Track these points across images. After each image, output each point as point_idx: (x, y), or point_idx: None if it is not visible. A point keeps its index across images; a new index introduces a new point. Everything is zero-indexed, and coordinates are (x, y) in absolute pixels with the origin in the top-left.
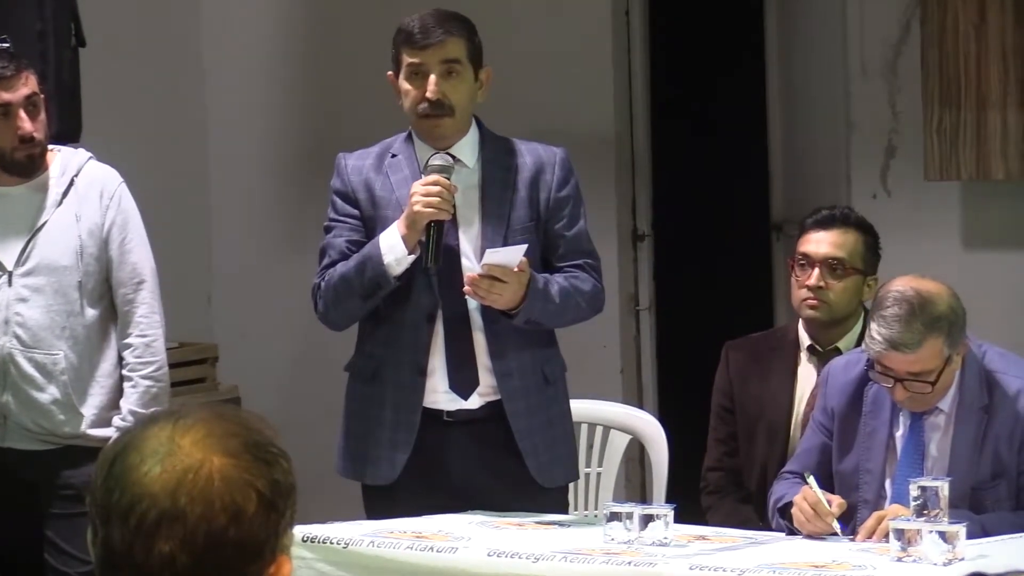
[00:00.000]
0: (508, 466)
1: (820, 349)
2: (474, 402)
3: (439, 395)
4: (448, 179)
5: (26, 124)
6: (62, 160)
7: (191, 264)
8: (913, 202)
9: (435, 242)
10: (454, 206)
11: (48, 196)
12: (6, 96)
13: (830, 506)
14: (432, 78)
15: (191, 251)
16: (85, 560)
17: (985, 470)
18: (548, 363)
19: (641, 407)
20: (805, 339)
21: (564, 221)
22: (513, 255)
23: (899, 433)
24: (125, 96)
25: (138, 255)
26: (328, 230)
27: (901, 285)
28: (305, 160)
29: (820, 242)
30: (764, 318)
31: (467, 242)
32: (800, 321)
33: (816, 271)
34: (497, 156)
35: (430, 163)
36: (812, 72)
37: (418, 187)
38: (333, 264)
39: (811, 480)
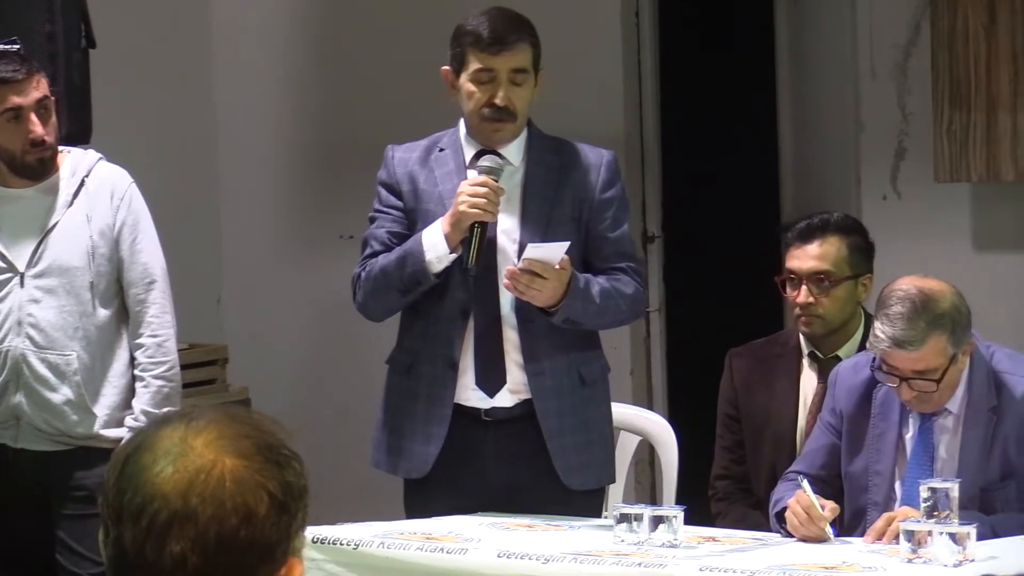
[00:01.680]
0: (539, 465)
1: (821, 356)
2: (509, 400)
3: (469, 392)
4: (496, 181)
5: (37, 127)
6: (72, 161)
7: (201, 265)
8: (923, 204)
9: (477, 243)
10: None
11: (59, 197)
12: (17, 100)
13: (823, 511)
14: (501, 85)
15: (201, 252)
16: (97, 561)
17: (994, 471)
18: (586, 364)
19: (651, 409)
20: (806, 346)
21: (607, 223)
22: (555, 251)
23: (908, 435)
24: (135, 97)
25: (149, 255)
26: (372, 220)
27: (905, 284)
28: (315, 161)
29: (803, 257)
30: (774, 319)
31: (505, 239)
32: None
33: (804, 288)
34: (543, 155)
35: (479, 164)
36: (822, 74)
37: (465, 187)
38: (375, 255)
39: (805, 484)
